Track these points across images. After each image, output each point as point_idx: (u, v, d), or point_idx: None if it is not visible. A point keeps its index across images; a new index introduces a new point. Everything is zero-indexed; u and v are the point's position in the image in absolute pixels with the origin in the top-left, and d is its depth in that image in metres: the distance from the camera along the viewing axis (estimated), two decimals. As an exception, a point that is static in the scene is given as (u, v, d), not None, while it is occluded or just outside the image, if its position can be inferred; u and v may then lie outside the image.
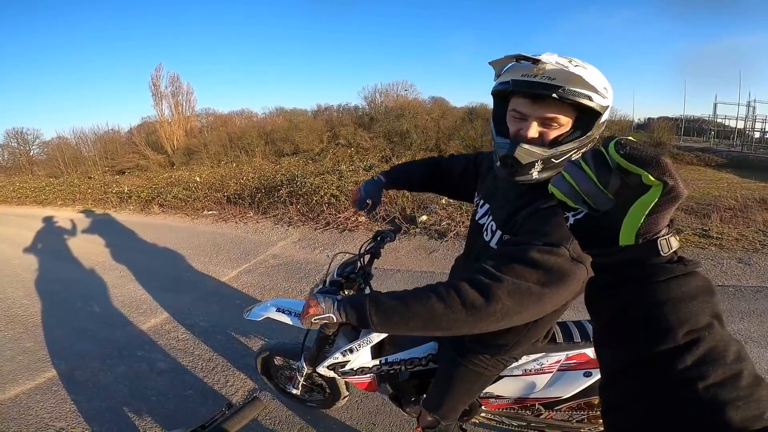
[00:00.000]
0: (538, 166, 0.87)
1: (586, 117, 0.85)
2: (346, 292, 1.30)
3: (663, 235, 0.42)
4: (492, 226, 1.03)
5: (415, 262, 3.89)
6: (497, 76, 0.93)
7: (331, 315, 0.96)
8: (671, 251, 0.43)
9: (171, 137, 18.48)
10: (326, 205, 5.54)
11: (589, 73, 0.82)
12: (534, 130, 0.86)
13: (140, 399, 2.20)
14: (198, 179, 8.02)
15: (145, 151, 17.05)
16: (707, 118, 18.27)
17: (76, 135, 19.63)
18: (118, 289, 3.71)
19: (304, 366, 1.54)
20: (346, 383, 1.79)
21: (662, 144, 14.22)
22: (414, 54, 54.65)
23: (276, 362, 1.90)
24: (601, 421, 1.43)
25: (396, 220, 4.95)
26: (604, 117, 0.87)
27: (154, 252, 4.79)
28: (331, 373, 1.47)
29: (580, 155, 0.87)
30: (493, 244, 1.01)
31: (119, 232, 5.85)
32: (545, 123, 0.86)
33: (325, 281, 1.35)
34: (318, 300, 0.99)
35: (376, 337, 1.35)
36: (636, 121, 19.55)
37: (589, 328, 1.32)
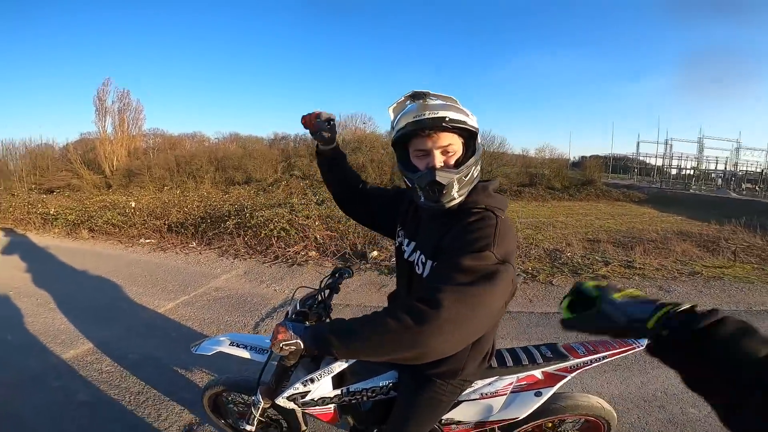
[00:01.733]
0: (456, 186, 1.02)
1: (468, 138, 1.04)
2: (310, 321, 1.32)
3: (664, 308, 0.57)
4: (422, 259, 1.12)
5: (365, 297, 3.95)
6: (392, 129, 1.08)
7: (298, 341, 1.01)
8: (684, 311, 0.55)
9: (111, 156, 17.24)
10: (275, 238, 5.51)
11: (457, 101, 1.03)
12: (439, 160, 1.01)
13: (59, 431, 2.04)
14: (133, 204, 7.57)
15: (80, 170, 15.70)
16: (631, 156, 20.74)
17: (4, 147, 17.78)
18: (35, 317, 3.39)
19: (261, 400, 1.49)
20: (305, 417, 1.77)
21: (593, 182, 15.60)
22: (373, 86, 56.87)
23: (226, 398, 1.83)
24: None
25: (346, 255, 5.04)
26: (479, 138, 1.07)
27: (79, 280, 4.44)
28: (291, 404, 1.43)
29: (477, 170, 1.08)
30: (426, 276, 1.09)
31: (40, 256, 5.37)
32: (444, 152, 1.02)
33: (288, 313, 1.37)
34: (287, 327, 1.05)
35: (338, 367, 1.36)
36: (572, 159, 21.55)
37: (534, 352, 1.43)
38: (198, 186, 12.23)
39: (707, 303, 3.72)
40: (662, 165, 18.96)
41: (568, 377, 1.40)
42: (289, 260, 5.07)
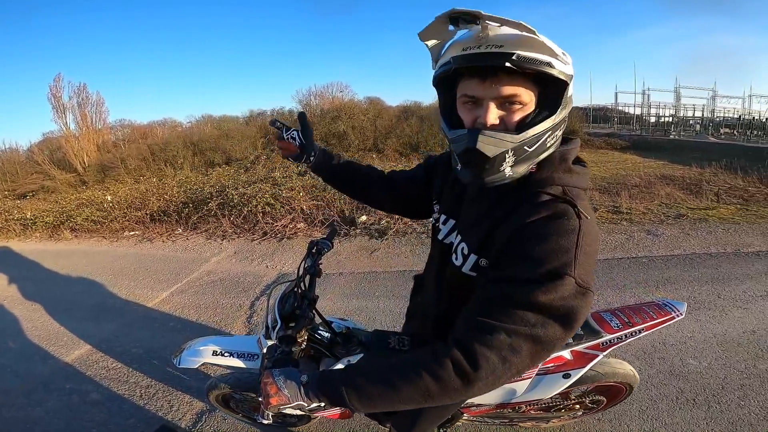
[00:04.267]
0: (510, 159, 0.69)
1: (550, 90, 0.69)
2: (300, 339, 1.10)
3: None
4: (463, 249, 0.84)
5: (357, 263, 3.98)
6: (435, 61, 0.75)
7: (300, 403, 0.79)
8: None
9: (80, 153, 16.61)
10: (261, 214, 5.46)
11: (535, 31, 0.65)
12: (493, 115, 0.69)
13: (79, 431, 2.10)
14: (108, 198, 7.36)
15: (51, 171, 15.12)
16: (610, 106, 21.10)
17: (-35, 156, 16.87)
18: (33, 323, 3.39)
19: None
20: None
21: (575, 131, 15.83)
22: (349, 55, 54.77)
23: (234, 395, 1.69)
24: (577, 406, 1.54)
25: (335, 223, 5.05)
26: (571, 90, 0.70)
27: (69, 281, 4.40)
28: (298, 411, 1.35)
29: (556, 137, 0.72)
30: (466, 270, 0.83)
31: (25, 263, 5.26)
32: (504, 104, 0.69)
33: (267, 326, 1.17)
34: (278, 385, 0.80)
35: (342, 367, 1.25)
36: (551, 111, 21.90)
37: None
38: (176, 172, 11.88)
39: (696, 246, 3.73)
40: (641, 114, 19.28)
41: (600, 356, 1.25)
42: (278, 235, 5.07)
